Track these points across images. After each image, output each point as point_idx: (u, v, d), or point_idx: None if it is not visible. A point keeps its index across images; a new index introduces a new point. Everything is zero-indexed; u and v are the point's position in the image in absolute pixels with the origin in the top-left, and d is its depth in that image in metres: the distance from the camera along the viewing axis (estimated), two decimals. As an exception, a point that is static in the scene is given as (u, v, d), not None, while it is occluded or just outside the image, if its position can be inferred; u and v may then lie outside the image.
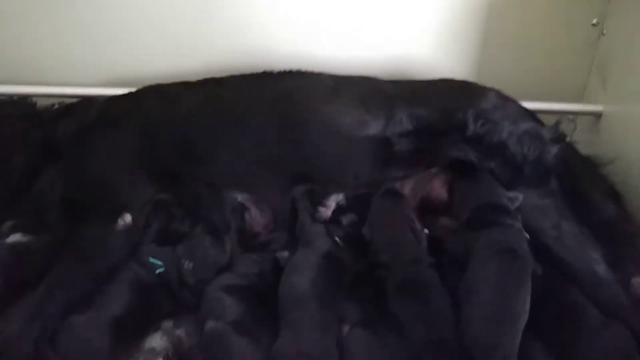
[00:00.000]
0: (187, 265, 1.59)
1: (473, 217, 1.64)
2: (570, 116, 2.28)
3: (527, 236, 1.58)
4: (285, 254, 1.66)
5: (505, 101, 1.88)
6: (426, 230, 1.67)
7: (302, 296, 1.48)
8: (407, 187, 1.78)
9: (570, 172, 1.76)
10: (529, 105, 1.94)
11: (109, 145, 1.76)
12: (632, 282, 1.63)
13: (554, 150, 1.76)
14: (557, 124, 1.86)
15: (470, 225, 1.62)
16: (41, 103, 1.99)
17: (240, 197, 1.75)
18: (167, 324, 1.59)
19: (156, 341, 1.54)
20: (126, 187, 1.69)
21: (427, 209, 1.80)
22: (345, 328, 1.49)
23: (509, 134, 1.77)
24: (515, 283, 1.45)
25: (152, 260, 1.60)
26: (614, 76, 2.13)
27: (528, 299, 1.44)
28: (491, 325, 1.39)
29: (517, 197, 1.67)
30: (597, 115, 2.16)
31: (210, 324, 1.43)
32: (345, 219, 1.73)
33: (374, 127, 1.81)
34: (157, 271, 1.59)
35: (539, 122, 1.87)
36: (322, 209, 1.76)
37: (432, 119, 1.81)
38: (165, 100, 1.85)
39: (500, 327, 1.38)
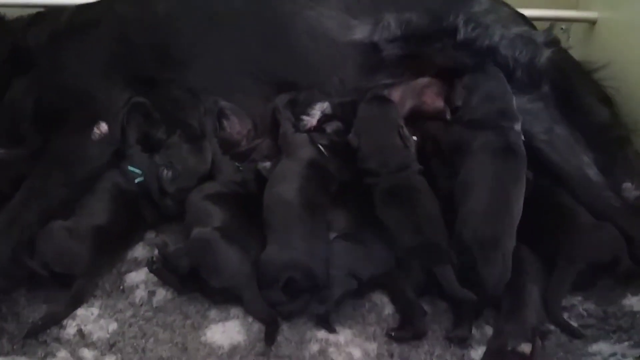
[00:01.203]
0: (166, 174, 1.54)
1: (477, 119, 1.57)
2: (564, 26, 2.21)
3: (523, 138, 1.55)
4: (268, 164, 1.62)
5: (497, 5, 1.80)
6: (415, 138, 1.63)
7: (290, 205, 1.45)
8: (395, 95, 1.72)
9: (563, 76, 1.70)
10: (522, 12, 1.85)
11: (82, 51, 1.67)
12: (623, 187, 1.61)
13: (546, 53, 1.69)
14: (551, 28, 1.79)
15: (470, 125, 1.57)
16: (10, 15, 1.88)
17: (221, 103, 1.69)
18: (150, 235, 1.58)
19: (139, 252, 1.52)
20: (101, 95, 1.62)
21: (417, 119, 1.74)
22: (332, 236, 1.47)
23: (501, 38, 1.70)
24: (512, 180, 1.43)
25: (131, 168, 1.55)
26: (609, -19, 2.04)
27: (522, 198, 1.42)
28: (491, 220, 1.37)
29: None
30: (592, 23, 2.09)
31: (197, 230, 1.40)
32: (330, 127, 1.68)
33: (360, 32, 1.74)
34: (137, 180, 1.54)
35: (532, 26, 1.81)
36: (306, 118, 1.71)
37: (422, 24, 1.74)
38: (140, 3, 1.76)
39: (500, 223, 1.37)
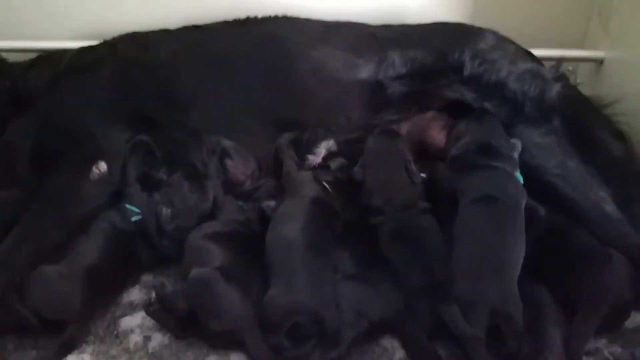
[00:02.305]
0: (165, 211, 1.49)
1: (457, 156, 1.53)
2: (570, 67, 2.19)
3: (519, 178, 1.48)
4: (272, 203, 1.56)
5: (503, 41, 1.78)
6: (423, 175, 1.57)
7: (294, 245, 1.38)
8: (402, 131, 1.69)
9: (574, 110, 1.66)
10: (528, 51, 1.85)
11: (82, 91, 1.65)
12: (643, 225, 1.54)
13: (556, 88, 1.66)
14: (559, 63, 1.76)
15: (453, 165, 1.53)
16: (13, 59, 1.87)
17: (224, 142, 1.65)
18: (147, 277, 1.51)
19: (135, 295, 1.45)
20: (100, 135, 1.59)
21: (425, 154, 1.70)
22: (338, 278, 1.40)
23: (508, 73, 1.68)
24: (497, 230, 1.35)
25: (129, 207, 1.50)
26: (615, 20, 2.03)
27: (519, 244, 1.35)
28: (472, 280, 1.30)
29: (515, 144, 1.56)
30: (599, 62, 2.07)
31: (195, 270, 1.33)
32: (334, 164, 1.63)
33: (365, 71, 1.72)
34: (134, 219, 1.49)
35: (539, 62, 1.78)
36: (311, 157, 1.67)
37: (427, 61, 1.72)
38: (143, 45, 1.74)
39: (482, 281, 1.29)
